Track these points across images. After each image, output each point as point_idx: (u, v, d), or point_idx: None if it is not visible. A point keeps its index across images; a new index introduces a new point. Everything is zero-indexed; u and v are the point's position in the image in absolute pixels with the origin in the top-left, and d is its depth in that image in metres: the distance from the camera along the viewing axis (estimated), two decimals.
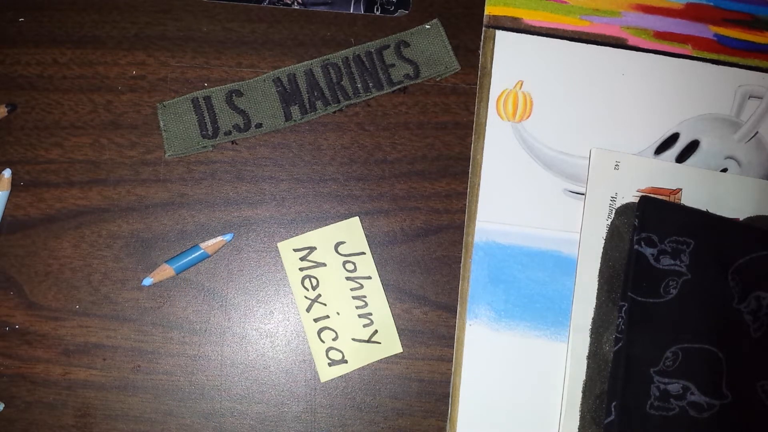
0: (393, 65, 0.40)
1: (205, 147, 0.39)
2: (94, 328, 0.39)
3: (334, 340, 0.39)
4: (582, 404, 0.38)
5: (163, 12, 0.40)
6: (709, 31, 0.40)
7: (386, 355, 0.39)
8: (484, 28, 0.40)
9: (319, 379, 0.39)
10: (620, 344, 0.37)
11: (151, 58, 0.40)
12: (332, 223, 0.39)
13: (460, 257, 0.39)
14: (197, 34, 0.40)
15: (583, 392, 0.38)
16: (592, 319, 0.38)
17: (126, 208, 0.39)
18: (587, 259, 0.39)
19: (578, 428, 0.38)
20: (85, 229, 0.39)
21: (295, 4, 0.41)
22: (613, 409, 0.37)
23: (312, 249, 0.39)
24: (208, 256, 0.39)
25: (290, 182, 0.40)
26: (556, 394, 0.38)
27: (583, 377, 0.38)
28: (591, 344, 0.38)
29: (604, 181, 0.39)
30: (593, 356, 0.38)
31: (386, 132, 0.40)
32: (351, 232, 0.39)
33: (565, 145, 0.40)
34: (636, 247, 0.38)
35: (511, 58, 0.40)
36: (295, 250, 0.39)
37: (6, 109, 0.39)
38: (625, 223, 0.39)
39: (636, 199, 0.39)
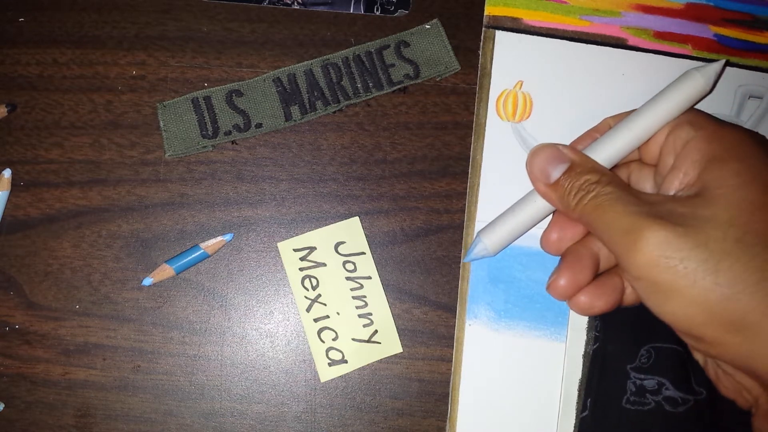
0: (393, 65, 0.40)
1: (205, 147, 0.39)
2: (94, 328, 0.39)
3: (334, 340, 0.39)
4: (578, 403, 0.38)
5: (163, 12, 0.40)
6: (709, 31, 0.40)
7: (386, 355, 0.39)
8: (484, 28, 0.40)
9: (319, 379, 0.39)
10: (597, 343, 0.38)
11: (151, 58, 0.40)
12: (332, 223, 0.39)
13: (460, 257, 0.39)
14: (197, 34, 0.40)
15: (579, 391, 0.38)
16: (588, 317, 0.38)
17: (126, 208, 0.39)
18: None
19: (573, 426, 0.38)
20: (85, 229, 0.39)
21: (295, 4, 0.41)
22: (588, 404, 0.37)
23: (312, 249, 0.39)
24: (208, 256, 0.39)
25: (290, 182, 0.40)
26: (556, 393, 0.38)
27: (579, 376, 0.38)
28: (586, 343, 0.38)
29: None
30: (588, 354, 0.38)
31: (386, 132, 0.40)
32: (351, 232, 0.39)
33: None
34: None
35: (511, 58, 0.40)
36: (295, 250, 0.39)
37: (6, 109, 0.39)
38: None
39: None
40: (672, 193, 0.31)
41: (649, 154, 0.34)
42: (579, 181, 0.32)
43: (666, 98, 0.33)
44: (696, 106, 0.34)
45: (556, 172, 0.33)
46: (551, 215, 0.35)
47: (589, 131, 0.36)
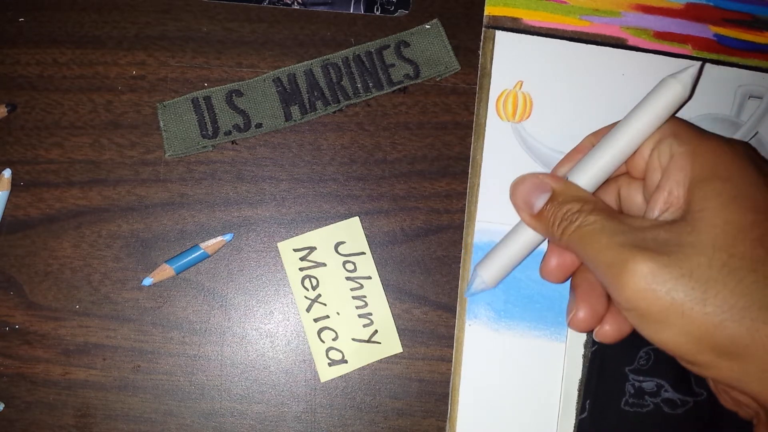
0: (393, 65, 0.40)
1: (205, 147, 0.39)
2: (94, 328, 0.39)
3: (334, 340, 0.39)
4: (578, 403, 0.38)
5: (163, 12, 0.40)
6: (709, 31, 0.40)
7: (386, 355, 0.39)
8: (484, 28, 0.40)
9: (319, 379, 0.39)
10: (596, 345, 0.38)
11: (151, 58, 0.40)
12: (332, 223, 0.39)
13: (460, 257, 0.39)
14: (197, 34, 0.40)
15: (579, 391, 0.38)
16: None
17: (126, 208, 0.39)
18: None
19: (573, 427, 0.38)
20: (85, 229, 0.39)
21: (295, 4, 0.41)
22: (587, 406, 0.37)
23: (312, 249, 0.39)
24: (208, 256, 0.39)
25: (290, 182, 0.40)
26: (556, 393, 0.38)
27: (579, 376, 0.38)
28: (585, 344, 0.38)
29: None
30: (587, 356, 0.38)
31: (386, 132, 0.40)
32: (351, 232, 0.39)
33: (565, 145, 0.39)
34: None
35: (511, 58, 0.40)
36: (295, 250, 0.39)
37: (6, 109, 0.39)
38: None
39: None
40: (657, 213, 0.30)
41: (635, 169, 0.33)
42: (561, 210, 0.31)
43: (644, 110, 0.32)
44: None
45: (539, 202, 0.32)
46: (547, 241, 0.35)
47: (570, 152, 0.35)
